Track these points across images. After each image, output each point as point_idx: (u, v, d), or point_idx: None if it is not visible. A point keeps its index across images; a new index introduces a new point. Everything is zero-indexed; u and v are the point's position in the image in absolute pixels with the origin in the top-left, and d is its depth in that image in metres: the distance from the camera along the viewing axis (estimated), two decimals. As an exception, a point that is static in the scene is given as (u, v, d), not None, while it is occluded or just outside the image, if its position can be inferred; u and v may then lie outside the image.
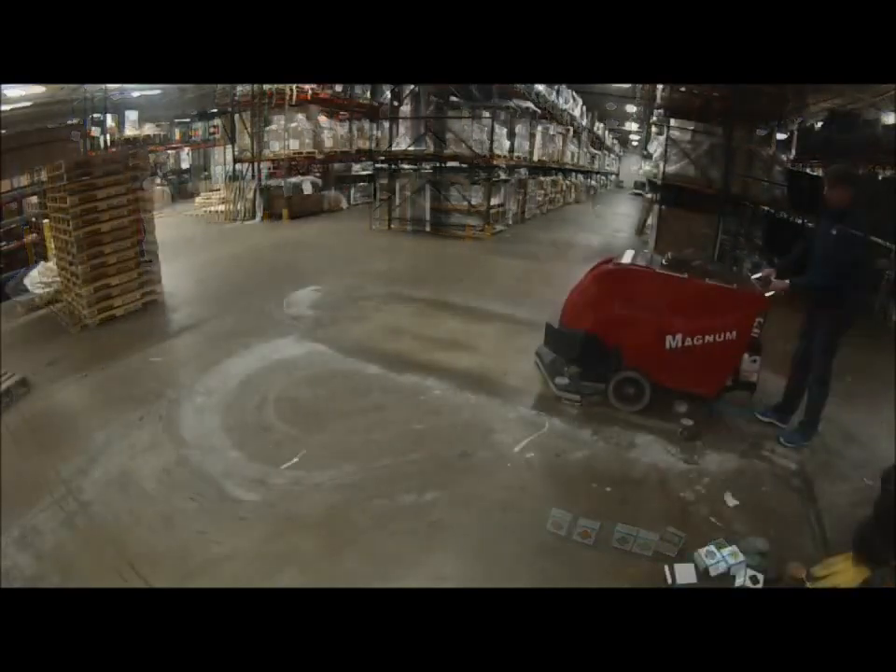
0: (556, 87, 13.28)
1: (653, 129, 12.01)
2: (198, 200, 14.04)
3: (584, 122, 18.44)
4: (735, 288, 3.33)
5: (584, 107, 17.74)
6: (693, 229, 7.65)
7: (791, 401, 3.46)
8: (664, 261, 3.58)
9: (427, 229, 10.01)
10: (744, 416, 3.53)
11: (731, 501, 2.72)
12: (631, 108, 18.70)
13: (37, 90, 10.19)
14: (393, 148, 9.99)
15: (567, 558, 2.32)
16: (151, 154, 13.58)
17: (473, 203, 9.78)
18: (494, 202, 10.05)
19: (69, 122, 12.01)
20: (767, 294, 3.25)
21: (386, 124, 11.39)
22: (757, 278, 3.43)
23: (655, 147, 11.12)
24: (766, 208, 8.54)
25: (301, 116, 11.29)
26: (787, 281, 3.14)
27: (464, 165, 9.92)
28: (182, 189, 15.74)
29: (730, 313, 3.29)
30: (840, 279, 2.99)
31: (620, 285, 3.49)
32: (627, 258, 3.72)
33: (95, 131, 12.06)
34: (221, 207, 11.86)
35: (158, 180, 14.11)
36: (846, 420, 3.60)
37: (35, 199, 7.26)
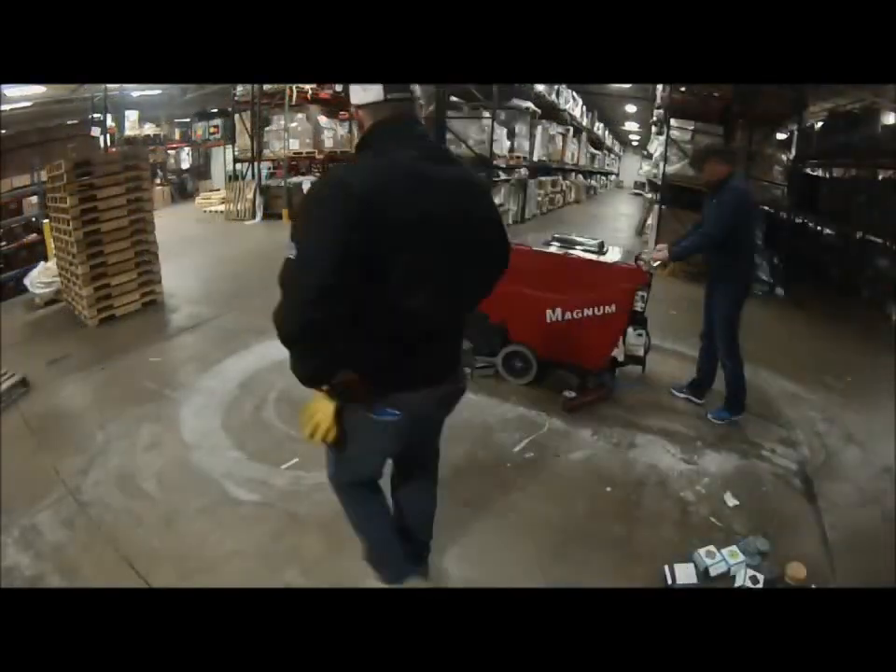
0: (556, 87, 13.26)
1: (653, 129, 12.02)
2: (198, 200, 14.04)
3: (584, 122, 18.43)
4: (610, 263, 3.50)
5: (584, 107, 17.72)
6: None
7: (703, 377, 3.59)
8: (546, 240, 3.75)
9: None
10: (636, 390, 3.70)
11: (731, 501, 2.72)
12: (631, 108, 18.71)
13: (37, 90, 10.20)
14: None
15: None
16: (151, 154, 13.58)
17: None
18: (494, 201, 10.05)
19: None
20: (655, 265, 3.39)
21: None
22: (646, 254, 3.57)
23: (655, 147, 11.14)
24: (766, 208, 8.54)
25: (300, 116, 11.28)
26: (664, 249, 3.28)
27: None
28: (182, 188, 15.74)
29: (607, 287, 3.42)
30: (713, 245, 3.18)
31: None
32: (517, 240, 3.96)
33: (95, 131, 12.05)
34: (221, 207, 11.86)
35: (158, 180, 14.11)
36: (846, 420, 3.61)
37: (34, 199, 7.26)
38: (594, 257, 3.62)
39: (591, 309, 3.40)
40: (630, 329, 3.48)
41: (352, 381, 1.48)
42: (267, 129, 11.50)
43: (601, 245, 3.95)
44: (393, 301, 1.39)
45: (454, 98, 10.12)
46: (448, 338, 1.64)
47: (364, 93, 1.51)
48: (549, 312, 3.47)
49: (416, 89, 1.56)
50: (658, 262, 3.39)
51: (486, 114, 9.65)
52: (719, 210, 3.15)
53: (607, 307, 3.37)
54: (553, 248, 3.71)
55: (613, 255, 3.87)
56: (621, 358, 3.62)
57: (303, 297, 1.34)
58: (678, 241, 3.46)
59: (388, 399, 1.52)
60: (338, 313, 1.33)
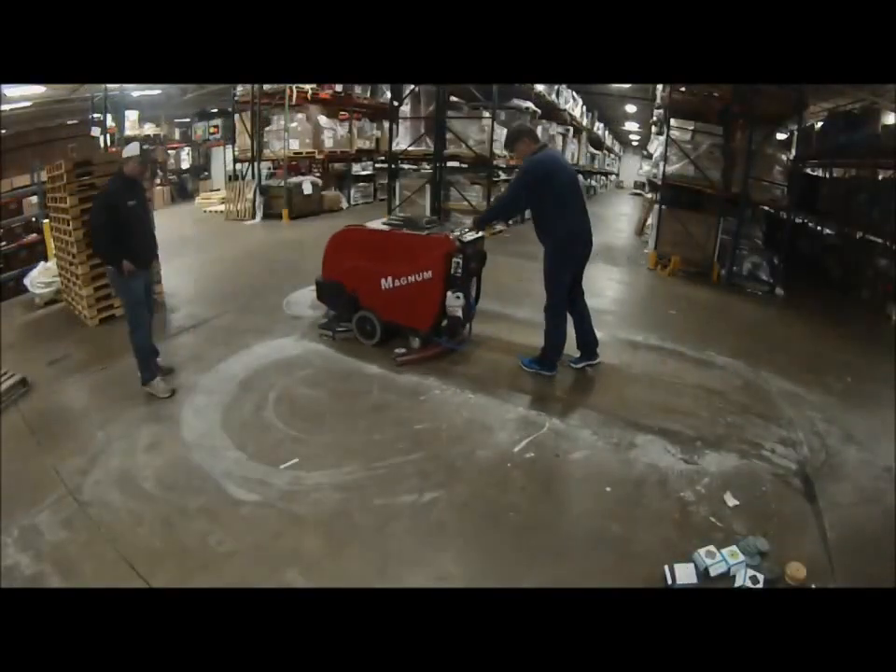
0: (556, 87, 13.24)
1: (653, 129, 12.02)
2: (198, 200, 14.03)
3: (584, 122, 18.41)
4: (423, 235, 4.04)
5: (584, 107, 17.71)
6: (692, 229, 7.66)
7: (580, 339, 4.06)
8: (384, 221, 4.42)
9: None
10: (452, 347, 4.21)
11: (731, 501, 2.72)
12: (631, 108, 18.69)
13: (37, 90, 10.19)
14: (410, 148, 9.95)
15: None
16: (151, 154, 13.56)
17: (476, 203, 9.77)
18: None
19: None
20: (463, 234, 4.02)
21: (387, 124, 11.39)
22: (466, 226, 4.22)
23: (655, 147, 11.13)
24: (766, 208, 8.55)
25: (300, 116, 11.27)
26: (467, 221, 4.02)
27: (463, 165, 9.92)
28: (182, 189, 15.73)
29: (422, 256, 4.00)
30: (507, 208, 4.04)
31: (349, 240, 4.36)
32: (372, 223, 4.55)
33: (95, 131, 12.04)
34: (221, 207, 11.85)
35: (158, 180, 14.10)
36: (846, 420, 3.61)
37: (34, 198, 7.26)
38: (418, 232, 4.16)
39: (413, 276, 4.01)
40: (449, 293, 3.99)
41: None
42: (267, 129, 11.48)
43: (422, 222, 4.47)
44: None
45: (454, 98, 10.11)
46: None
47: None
48: (383, 280, 4.11)
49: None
50: (472, 232, 4.01)
51: (486, 114, 9.63)
52: (513, 178, 3.77)
53: (425, 273, 3.97)
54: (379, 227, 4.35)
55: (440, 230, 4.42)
56: (442, 320, 4.13)
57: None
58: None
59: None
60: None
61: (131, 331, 3.62)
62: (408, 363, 3.97)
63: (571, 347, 4.05)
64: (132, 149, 3.56)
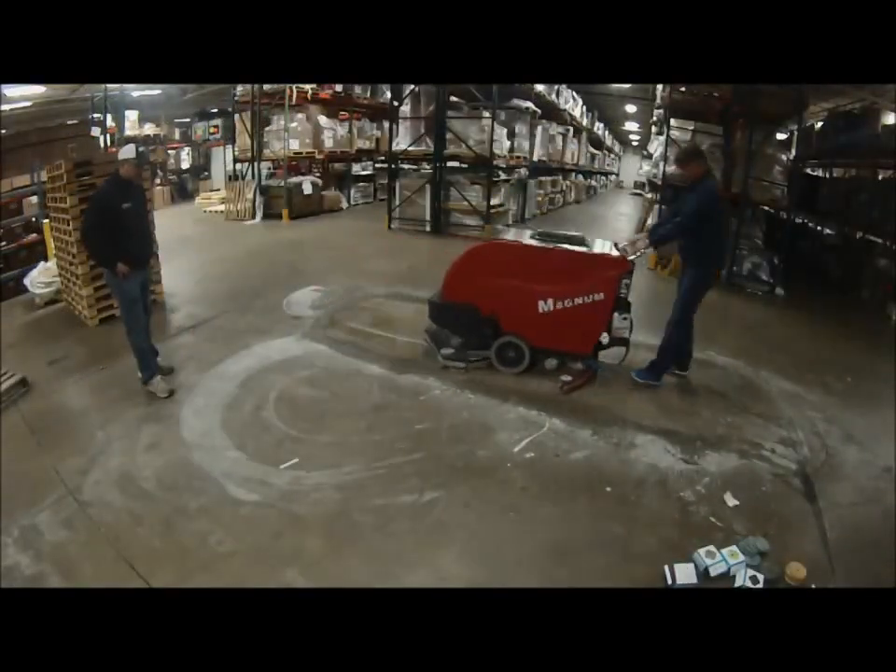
0: (556, 87, 13.24)
1: (653, 129, 12.01)
2: (198, 200, 14.03)
3: (584, 122, 18.41)
4: (596, 253, 3.73)
5: (584, 107, 17.71)
6: (692, 229, 7.65)
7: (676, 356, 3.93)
8: (532, 235, 3.96)
9: (428, 229, 10.00)
10: (616, 370, 3.89)
11: (731, 501, 2.72)
12: (631, 108, 18.70)
13: (37, 90, 10.19)
14: (410, 148, 9.94)
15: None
16: (151, 154, 13.57)
17: (476, 203, 9.76)
18: (494, 201, 10.04)
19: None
20: (636, 253, 3.67)
21: (387, 124, 11.39)
22: (627, 244, 3.77)
23: (655, 147, 11.13)
24: (766, 208, 8.54)
25: (300, 116, 11.27)
26: (641, 236, 3.65)
27: (463, 165, 9.92)
28: (182, 189, 15.73)
29: (594, 276, 3.64)
30: (685, 232, 3.61)
31: (490, 257, 3.85)
32: (505, 235, 4.18)
33: (95, 131, 12.03)
34: (221, 207, 11.85)
35: (158, 180, 14.09)
36: (846, 420, 3.61)
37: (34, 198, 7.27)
38: (579, 249, 3.83)
39: (581, 297, 3.62)
40: (616, 314, 3.70)
41: None
42: (267, 129, 11.48)
43: (583, 239, 4.15)
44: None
45: (454, 98, 10.10)
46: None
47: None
48: (541, 302, 3.66)
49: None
50: (639, 252, 3.67)
51: (486, 114, 9.62)
52: (692, 203, 3.56)
53: (596, 294, 3.60)
54: (536, 243, 3.96)
55: (597, 247, 4.08)
56: (605, 342, 3.82)
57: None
58: (653, 228, 3.72)
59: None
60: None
61: (127, 332, 3.63)
62: (574, 390, 3.66)
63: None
64: (127, 151, 3.53)
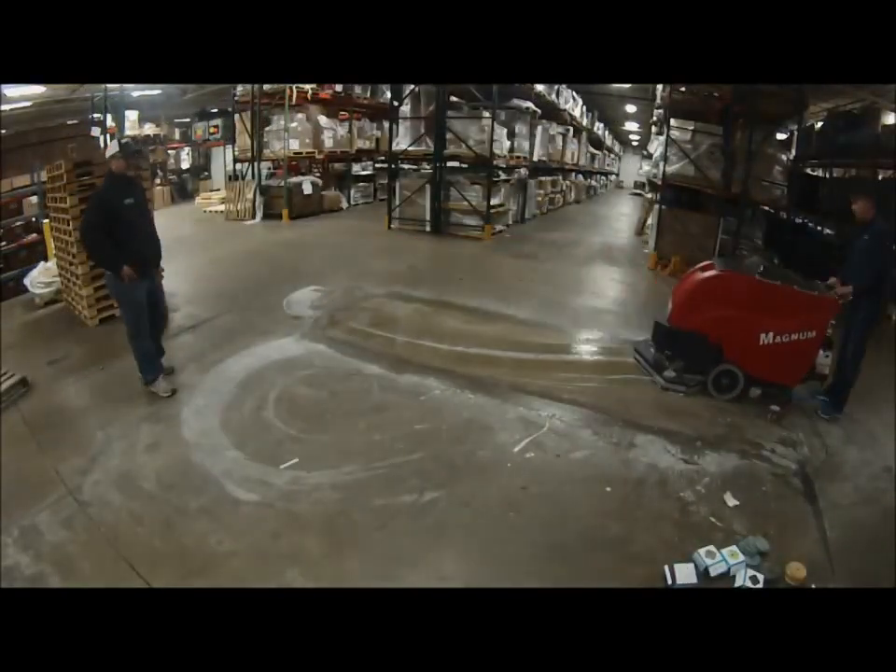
0: (556, 87, 13.24)
1: (653, 129, 12.01)
2: (198, 200, 14.03)
3: (584, 122, 18.41)
4: (816, 295, 3.83)
5: (584, 107, 17.71)
6: (692, 229, 7.66)
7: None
8: (760, 269, 4.06)
9: (428, 229, 10.00)
10: (813, 401, 3.94)
11: (731, 501, 2.72)
12: (631, 108, 18.69)
13: (37, 90, 10.18)
14: (410, 148, 9.94)
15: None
16: (151, 154, 13.57)
17: (476, 203, 9.77)
18: (494, 201, 10.05)
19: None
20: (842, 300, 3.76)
21: (387, 124, 11.40)
22: (827, 286, 3.90)
23: (655, 147, 11.13)
24: (766, 208, 8.54)
25: (300, 116, 11.27)
26: (850, 287, 3.67)
27: (463, 165, 9.92)
28: (182, 189, 15.73)
29: (812, 315, 3.81)
30: (878, 279, 3.62)
31: (725, 289, 3.98)
32: (723, 264, 4.24)
33: (95, 131, 12.03)
34: (221, 207, 11.85)
35: (158, 180, 14.09)
36: (846, 420, 3.61)
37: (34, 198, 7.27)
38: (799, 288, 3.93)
39: (797, 334, 3.79)
40: (820, 351, 3.86)
41: None
42: (267, 129, 11.48)
43: (804, 281, 4.17)
44: None
45: (454, 98, 10.11)
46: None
47: None
48: (763, 335, 3.83)
49: None
50: (843, 300, 3.75)
51: (486, 114, 9.63)
52: (879, 249, 3.63)
53: (809, 332, 3.78)
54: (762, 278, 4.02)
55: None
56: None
57: None
58: (844, 274, 3.80)
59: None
60: None
61: (131, 337, 3.55)
62: (781, 419, 3.70)
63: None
64: (112, 147, 3.54)
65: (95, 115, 12.18)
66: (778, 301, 3.85)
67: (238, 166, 12.38)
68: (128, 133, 13.13)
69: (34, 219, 6.85)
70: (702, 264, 4.32)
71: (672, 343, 4.14)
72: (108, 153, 3.53)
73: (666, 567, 2.23)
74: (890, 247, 3.69)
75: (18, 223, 7.12)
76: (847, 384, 3.81)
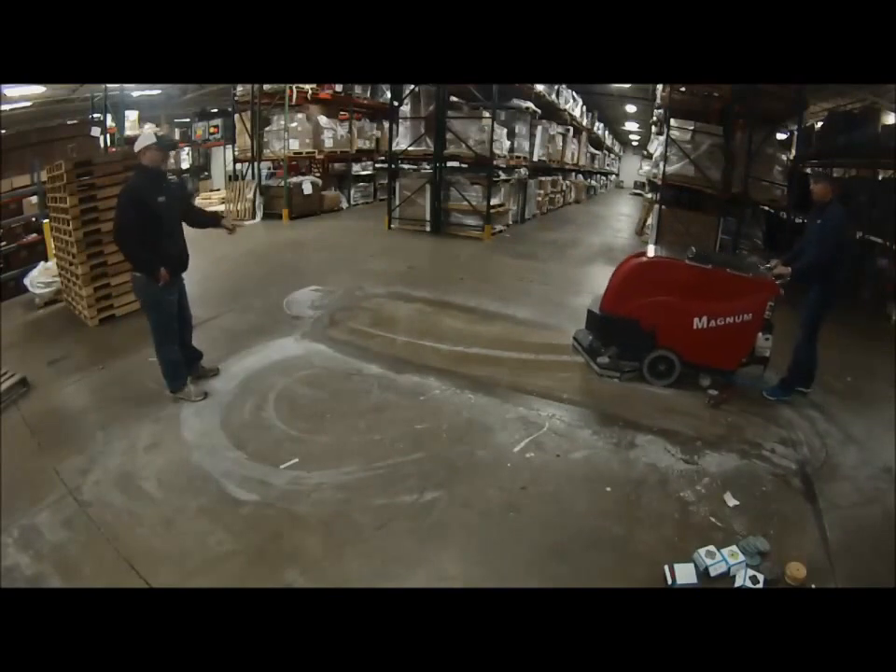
0: (556, 87, 13.24)
1: (653, 129, 12.01)
2: (198, 200, 14.03)
3: (584, 122, 18.42)
4: (751, 276, 3.84)
5: (584, 107, 17.72)
6: (692, 229, 7.66)
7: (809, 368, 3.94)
8: (689, 254, 4.03)
9: (428, 229, 10.00)
10: (756, 387, 3.96)
11: (731, 501, 2.72)
12: (631, 108, 18.70)
13: (37, 90, 10.19)
14: (410, 148, 9.94)
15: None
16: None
17: (476, 203, 9.77)
18: (494, 201, 10.05)
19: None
20: (777, 281, 3.76)
21: (387, 124, 11.40)
22: (767, 268, 3.93)
23: (655, 147, 11.13)
24: (766, 208, 8.54)
25: (300, 116, 11.27)
26: (789, 268, 3.70)
27: (463, 165, 9.92)
28: (182, 189, 15.74)
29: (747, 297, 3.80)
30: (826, 260, 3.57)
31: (656, 275, 4.01)
32: (653, 252, 4.27)
33: (95, 131, 12.03)
34: (221, 207, 11.85)
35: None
36: (846, 420, 3.61)
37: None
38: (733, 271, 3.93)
39: (731, 317, 3.79)
40: (760, 334, 3.85)
41: None
42: (267, 129, 11.48)
43: (738, 263, 4.24)
44: None
45: (454, 98, 10.10)
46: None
47: None
48: (696, 320, 3.84)
49: None
50: (781, 280, 3.75)
51: (486, 114, 9.63)
52: (828, 231, 3.58)
53: (745, 315, 3.77)
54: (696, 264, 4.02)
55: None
56: (745, 360, 3.97)
57: None
58: (790, 253, 3.86)
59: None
60: None
61: (158, 345, 3.37)
62: (721, 404, 3.74)
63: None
64: (147, 137, 3.22)
65: (95, 115, 12.19)
66: (711, 284, 3.85)
67: (238, 166, 12.39)
68: (128, 133, 13.14)
69: (34, 219, 6.85)
70: (637, 252, 4.37)
71: (605, 330, 4.14)
72: (140, 143, 3.21)
73: (666, 567, 2.23)
74: (843, 231, 3.67)
75: (18, 223, 7.12)
76: (798, 368, 3.82)
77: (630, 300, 3.97)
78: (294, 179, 11.47)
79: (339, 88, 12.11)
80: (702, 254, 4.08)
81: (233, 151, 12.50)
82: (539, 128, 12.97)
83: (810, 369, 3.88)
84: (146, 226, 3.11)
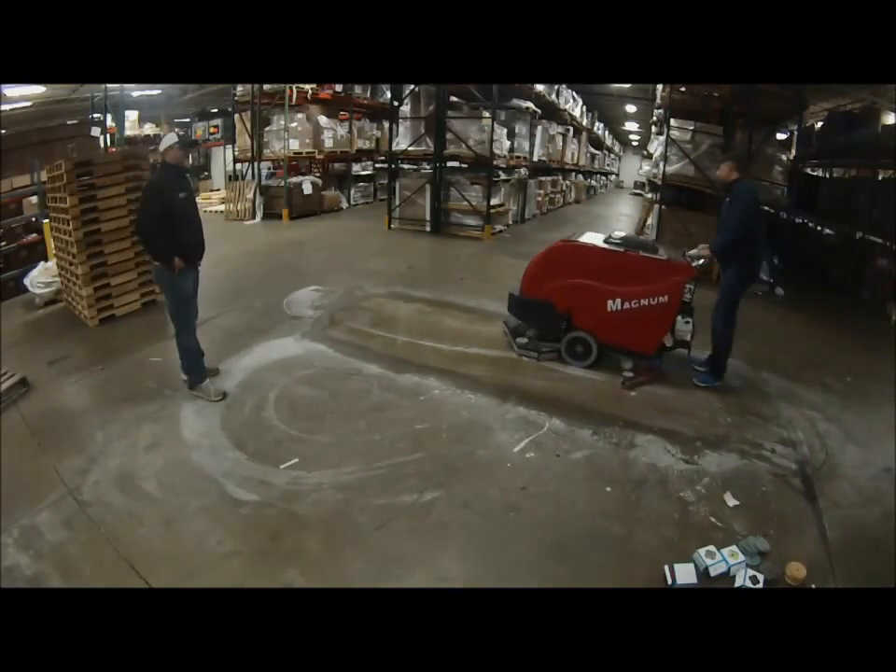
0: (556, 87, 13.24)
1: (653, 129, 12.01)
2: (198, 200, 14.02)
3: (584, 122, 18.41)
4: (665, 259, 3.90)
5: (584, 107, 17.71)
6: (692, 228, 7.66)
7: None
8: (606, 239, 4.16)
9: (428, 229, 10.00)
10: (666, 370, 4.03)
11: (731, 501, 2.72)
12: (631, 108, 18.70)
13: (37, 90, 10.19)
14: (410, 148, 9.94)
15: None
16: (151, 154, 13.57)
17: (476, 203, 9.77)
18: (494, 201, 10.04)
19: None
20: (697, 262, 3.86)
21: (387, 124, 11.39)
22: (693, 252, 3.96)
23: (655, 147, 11.13)
24: (766, 208, 8.53)
25: (300, 116, 11.27)
26: (707, 247, 3.80)
27: (463, 165, 9.92)
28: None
29: (662, 280, 3.85)
30: (739, 237, 3.62)
31: (569, 258, 4.12)
32: (581, 238, 4.38)
33: (95, 131, 12.04)
34: (221, 207, 11.85)
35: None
36: (846, 420, 3.61)
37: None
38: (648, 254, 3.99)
39: (647, 300, 3.82)
40: (679, 318, 3.87)
41: None
42: (267, 129, 11.48)
43: (654, 246, 4.29)
44: None
45: (454, 98, 10.10)
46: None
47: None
48: (610, 302, 3.89)
49: None
50: (702, 259, 3.83)
51: (486, 114, 9.62)
52: (736, 209, 3.62)
53: (661, 297, 3.80)
54: (609, 247, 4.13)
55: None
56: (669, 344, 3.99)
57: None
58: (713, 241, 3.85)
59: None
60: None
61: (176, 333, 3.55)
62: (636, 386, 3.81)
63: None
64: (170, 137, 3.46)
65: (95, 115, 12.19)
66: (624, 267, 3.91)
67: (238, 166, 12.39)
68: (128, 133, 13.15)
69: (34, 219, 6.85)
70: (561, 239, 4.48)
71: (524, 312, 4.27)
72: (164, 144, 3.44)
73: (666, 567, 2.23)
74: (752, 207, 3.68)
75: (18, 223, 7.12)
76: (719, 350, 3.83)
77: (545, 283, 4.08)
78: (294, 179, 11.47)
79: (339, 88, 12.10)
80: (618, 238, 4.20)
81: (233, 151, 12.50)
82: (539, 128, 12.96)
83: (731, 346, 3.88)
84: (166, 217, 3.30)
